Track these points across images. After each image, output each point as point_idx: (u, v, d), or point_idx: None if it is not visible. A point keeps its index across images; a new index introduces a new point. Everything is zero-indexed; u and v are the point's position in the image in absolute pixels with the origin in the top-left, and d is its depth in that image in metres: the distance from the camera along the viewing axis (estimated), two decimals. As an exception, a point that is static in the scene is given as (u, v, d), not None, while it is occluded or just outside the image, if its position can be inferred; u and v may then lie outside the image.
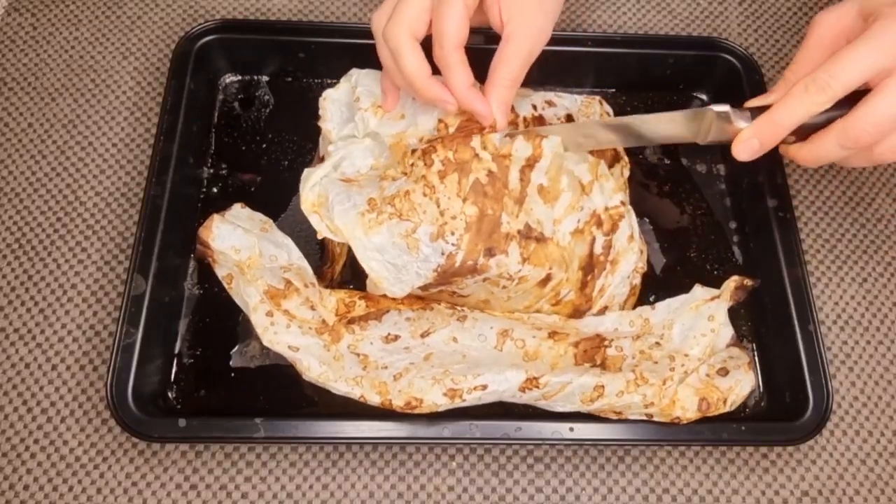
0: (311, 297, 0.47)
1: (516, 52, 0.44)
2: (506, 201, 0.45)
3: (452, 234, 0.44)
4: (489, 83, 0.44)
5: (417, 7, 0.43)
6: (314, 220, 0.46)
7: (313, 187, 0.47)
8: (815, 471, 0.48)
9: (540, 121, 0.51)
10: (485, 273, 0.45)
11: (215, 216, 0.49)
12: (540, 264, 0.46)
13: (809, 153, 0.43)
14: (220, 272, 0.48)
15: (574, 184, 0.47)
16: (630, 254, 0.49)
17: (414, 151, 0.46)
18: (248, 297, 0.46)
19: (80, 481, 0.46)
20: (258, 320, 0.46)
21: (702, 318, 0.49)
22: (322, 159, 0.51)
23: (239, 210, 0.50)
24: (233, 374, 0.49)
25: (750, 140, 0.42)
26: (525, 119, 0.50)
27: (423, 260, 0.44)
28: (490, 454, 0.48)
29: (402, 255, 0.44)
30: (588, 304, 0.49)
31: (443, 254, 0.44)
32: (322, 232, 0.46)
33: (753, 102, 0.44)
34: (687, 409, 0.46)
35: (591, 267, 0.48)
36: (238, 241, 0.48)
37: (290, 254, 0.49)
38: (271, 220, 0.51)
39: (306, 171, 0.48)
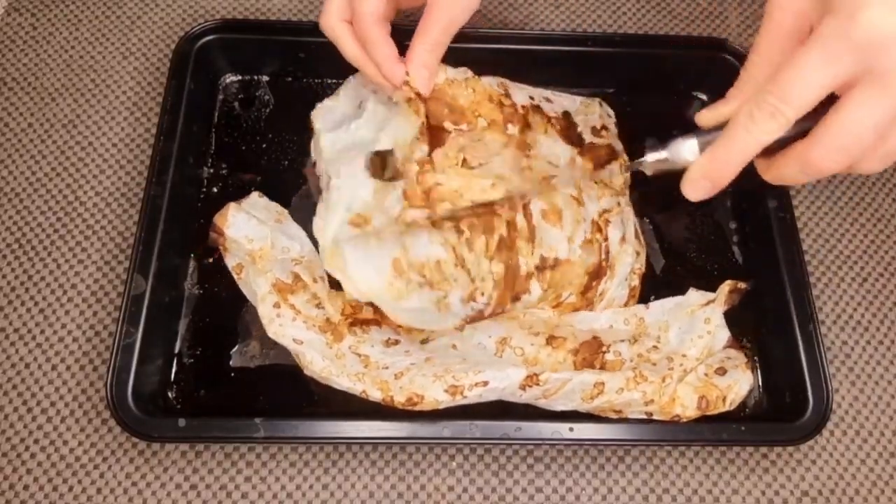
0: (319, 293, 0.47)
1: (437, 19, 0.44)
2: (519, 244, 0.46)
3: (482, 294, 0.45)
4: (410, 48, 0.45)
5: None
6: (342, 279, 0.46)
7: (333, 246, 0.46)
8: (815, 471, 0.48)
9: (536, 110, 0.51)
10: (510, 310, 0.47)
11: (231, 204, 0.49)
12: (561, 286, 0.47)
13: (774, 176, 0.37)
14: (231, 262, 0.48)
15: (567, 199, 0.48)
16: (624, 256, 0.50)
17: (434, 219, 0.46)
18: (258, 286, 0.46)
19: (80, 481, 0.46)
20: (265, 311, 0.46)
21: (698, 321, 0.49)
22: (314, 165, 0.51)
23: (256, 199, 0.51)
24: (233, 374, 0.49)
25: (698, 181, 0.37)
26: (523, 106, 0.50)
27: (453, 315, 0.45)
28: (490, 454, 0.48)
29: (432, 314, 0.45)
30: (589, 307, 0.49)
31: (473, 310, 0.45)
32: (352, 295, 0.45)
33: (706, 117, 0.38)
34: (687, 406, 0.46)
35: (597, 273, 0.49)
36: (252, 230, 0.49)
37: (302, 245, 0.49)
38: (286, 211, 0.51)
39: (316, 221, 0.47)
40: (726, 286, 0.50)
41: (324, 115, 0.52)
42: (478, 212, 0.45)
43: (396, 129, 0.47)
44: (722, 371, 0.47)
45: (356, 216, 0.46)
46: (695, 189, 0.37)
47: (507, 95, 0.50)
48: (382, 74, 0.45)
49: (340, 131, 0.50)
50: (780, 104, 0.33)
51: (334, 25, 0.45)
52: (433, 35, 0.44)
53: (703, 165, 0.36)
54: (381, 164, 0.47)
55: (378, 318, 0.48)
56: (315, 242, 0.49)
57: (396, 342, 0.47)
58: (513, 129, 0.49)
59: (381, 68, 0.45)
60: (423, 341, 0.47)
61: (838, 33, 0.32)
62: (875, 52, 0.31)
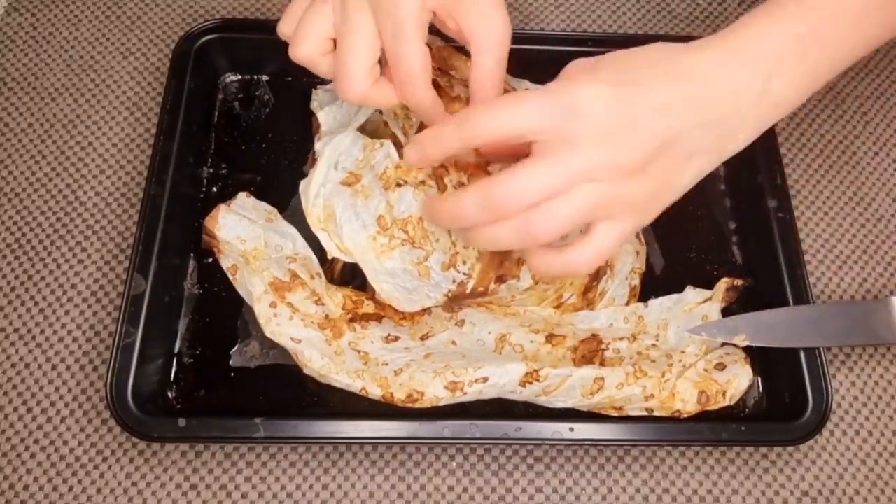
0: (318, 290, 0.47)
1: (493, 64, 0.40)
2: None
3: (464, 263, 0.45)
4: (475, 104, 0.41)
5: (366, 34, 0.39)
6: (323, 239, 0.46)
7: (316, 199, 0.47)
8: (815, 471, 0.48)
9: None
10: (495, 295, 0.46)
11: (221, 206, 0.49)
12: (551, 282, 0.46)
13: (449, 208, 0.38)
14: (225, 263, 0.48)
15: None
16: (624, 255, 0.50)
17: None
18: (253, 287, 0.46)
19: (80, 481, 0.46)
20: (261, 311, 0.46)
21: (696, 319, 0.49)
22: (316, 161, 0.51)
23: (244, 199, 0.51)
24: (232, 374, 0.49)
25: (412, 152, 0.39)
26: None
27: (434, 286, 0.45)
28: (490, 454, 0.48)
29: (412, 280, 0.45)
30: (590, 307, 0.49)
31: (454, 281, 0.45)
32: (332, 252, 0.46)
33: None
34: (687, 401, 0.46)
35: (596, 273, 0.49)
36: (244, 231, 0.49)
37: (295, 243, 0.49)
38: (276, 210, 0.51)
39: (303, 182, 0.48)
40: (723, 283, 0.50)
41: (322, 95, 0.52)
42: (468, 170, 0.45)
43: None
44: (721, 366, 0.47)
45: (349, 175, 0.47)
46: (409, 156, 0.39)
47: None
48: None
49: (335, 106, 0.50)
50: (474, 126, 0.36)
51: (367, 94, 0.40)
52: (495, 85, 0.41)
53: (419, 141, 0.39)
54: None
55: (379, 311, 0.48)
56: (310, 241, 0.49)
57: (396, 338, 0.47)
58: None
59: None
60: (423, 337, 0.47)
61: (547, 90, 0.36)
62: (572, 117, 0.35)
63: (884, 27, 0.40)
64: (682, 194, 0.39)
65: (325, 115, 0.50)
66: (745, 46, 0.38)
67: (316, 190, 0.47)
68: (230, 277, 0.48)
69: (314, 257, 0.49)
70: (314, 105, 0.52)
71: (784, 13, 0.38)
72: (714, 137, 0.38)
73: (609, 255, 0.38)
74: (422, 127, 0.47)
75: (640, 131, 0.35)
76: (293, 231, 0.50)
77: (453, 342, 0.47)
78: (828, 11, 0.38)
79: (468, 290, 0.46)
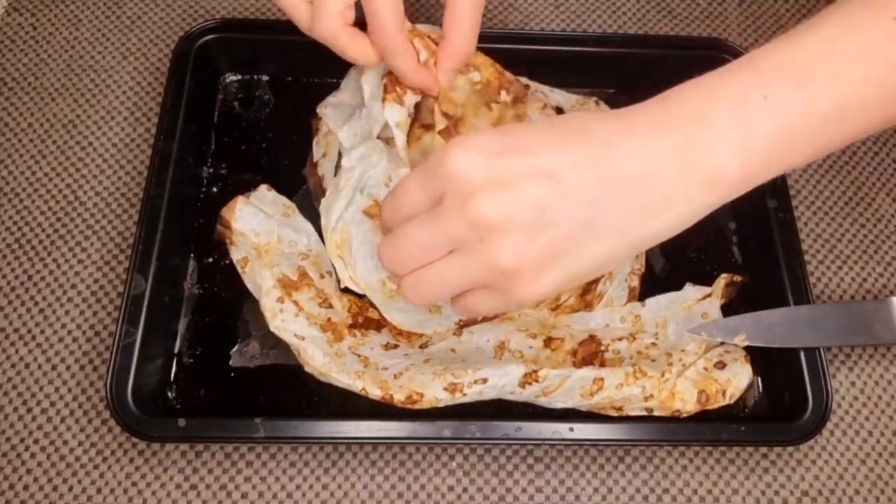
0: (327, 290, 0.48)
1: (468, 5, 0.41)
2: None
3: None
4: (445, 51, 0.43)
5: None
6: (338, 266, 0.47)
7: (337, 223, 0.47)
8: (815, 471, 0.48)
9: (533, 94, 0.52)
10: (502, 315, 0.48)
11: (240, 198, 0.49)
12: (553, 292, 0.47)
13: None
14: (236, 255, 0.48)
15: None
16: None
17: None
18: (262, 279, 0.46)
19: (79, 481, 0.46)
20: (268, 304, 0.46)
21: (695, 316, 0.49)
22: (315, 165, 0.51)
23: (265, 192, 0.51)
24: (233, 374, 0.49)
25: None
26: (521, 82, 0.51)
27: (445, 317, 0.46)
28: (490, 454, 0.48)
29: (423, 313, 0.46)
30: (588, 309, 0.49)
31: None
32: (345, 281, 0.47)
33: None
34: (686, 401, 0.46)
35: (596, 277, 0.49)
36: (259, 224, 0.49)
37: (309, 239, 0.50)
38: (294, 205, 0.51)
39: (324, 201, 0.48)
40: (722, 280, 0.50)
41: (332, 112, 0.52)
42: None
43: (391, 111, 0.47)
44: (721, 365, 0.47)
45: (374, 205, 0.46)
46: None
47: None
48: (409, 83, 0.44)
49: (353, 120, 0.50)
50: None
51: (337, 32, 0.42)
52: (469, 32, 0.42)
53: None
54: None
55: (380, 320, 0.48)
56: (321, 235, 0.49)
57: (395, 346, 0.47)
58: (506, 97, 0.48)
59: (408, 79, 0.44)
60: (422, 346, 0.47)
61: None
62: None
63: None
64: (594, 276, 0.35)
65: (345, 134, 0.50)
66: (671, 109, 0.33)
67: (338, 213, 0.47)
68: (239, 269, 0.48)
69: (326, 254, 0.49)
70: (332, 125, 0.51)
71: (740, 74, 0.33)
72: (622, 211, 0.33)
73: (475, 313, 0.37)
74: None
75: (514, 193, 0.32)
76: (308, 227, 0.50)
77: (452, 350, 0.47)
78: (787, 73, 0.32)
79: (479, 319, 0.47)
